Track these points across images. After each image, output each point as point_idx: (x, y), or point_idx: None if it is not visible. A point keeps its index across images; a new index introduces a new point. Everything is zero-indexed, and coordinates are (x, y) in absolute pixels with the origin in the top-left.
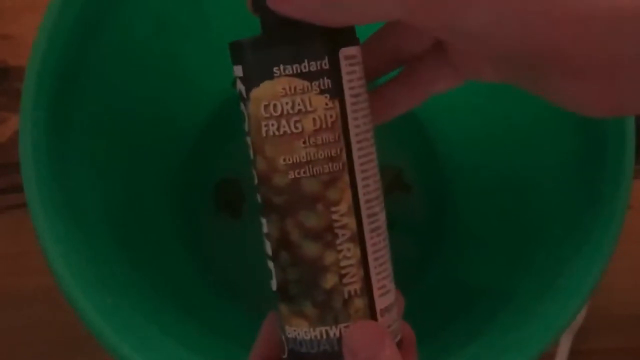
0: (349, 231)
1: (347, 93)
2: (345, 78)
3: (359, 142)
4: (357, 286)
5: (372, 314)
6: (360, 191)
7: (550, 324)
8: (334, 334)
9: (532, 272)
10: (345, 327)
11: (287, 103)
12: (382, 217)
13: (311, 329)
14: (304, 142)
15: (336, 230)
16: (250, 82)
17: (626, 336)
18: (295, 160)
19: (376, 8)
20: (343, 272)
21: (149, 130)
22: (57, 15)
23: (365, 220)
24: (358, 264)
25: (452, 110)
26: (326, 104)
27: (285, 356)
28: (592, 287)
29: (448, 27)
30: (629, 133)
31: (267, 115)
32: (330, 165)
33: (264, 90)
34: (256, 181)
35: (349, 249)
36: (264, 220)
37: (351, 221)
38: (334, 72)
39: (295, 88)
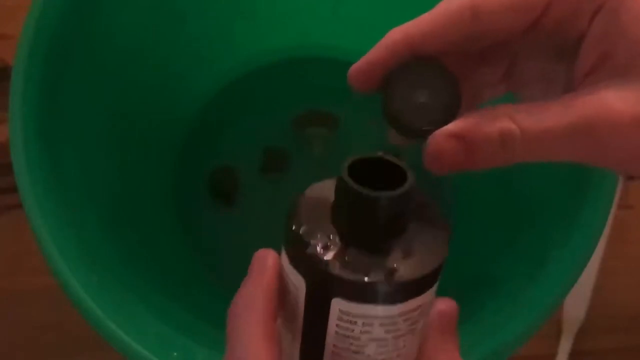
0: None
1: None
2: None
3: None
4: None
5: None
6: None
7: (538, 308)
8: None
9: (521, 258)
10: None
11: None
12: None
13: None
14: None
15: None
16: None
17: (626, 336)
18: None
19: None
20: None
21: (145, 118)
22: (44, 4)
23: None
24: None
25: None
26: None
27: None
28: (580, 271)
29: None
30: None
31: None
32: None
33: None
34: None
35: None
36: None
37: None
38: None
39: None
